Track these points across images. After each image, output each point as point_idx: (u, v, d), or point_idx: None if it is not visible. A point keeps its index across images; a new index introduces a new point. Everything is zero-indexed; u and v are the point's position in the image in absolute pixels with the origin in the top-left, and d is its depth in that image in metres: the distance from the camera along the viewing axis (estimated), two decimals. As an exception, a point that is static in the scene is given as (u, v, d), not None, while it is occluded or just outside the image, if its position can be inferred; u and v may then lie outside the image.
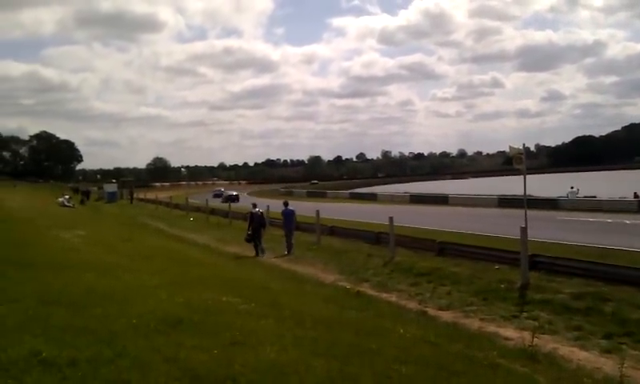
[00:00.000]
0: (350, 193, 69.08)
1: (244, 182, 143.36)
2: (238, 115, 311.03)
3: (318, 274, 15.19)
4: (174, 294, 7.78)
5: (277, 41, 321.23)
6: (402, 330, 7.80)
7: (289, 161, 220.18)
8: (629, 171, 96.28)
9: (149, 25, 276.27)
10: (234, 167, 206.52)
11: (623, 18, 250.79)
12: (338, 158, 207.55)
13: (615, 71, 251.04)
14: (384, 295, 12.31)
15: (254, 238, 19.40)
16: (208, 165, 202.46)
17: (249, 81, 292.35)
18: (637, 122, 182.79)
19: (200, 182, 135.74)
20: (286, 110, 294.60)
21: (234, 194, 64.21)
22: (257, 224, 19.59)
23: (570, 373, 6.75)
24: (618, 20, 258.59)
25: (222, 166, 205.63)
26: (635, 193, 37.74)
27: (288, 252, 19.64)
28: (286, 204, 21.56)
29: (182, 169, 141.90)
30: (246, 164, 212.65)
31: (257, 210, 20.32)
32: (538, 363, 6.96)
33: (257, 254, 19.22)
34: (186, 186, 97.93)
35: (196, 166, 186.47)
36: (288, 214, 20.77)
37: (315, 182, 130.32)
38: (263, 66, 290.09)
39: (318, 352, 5.74)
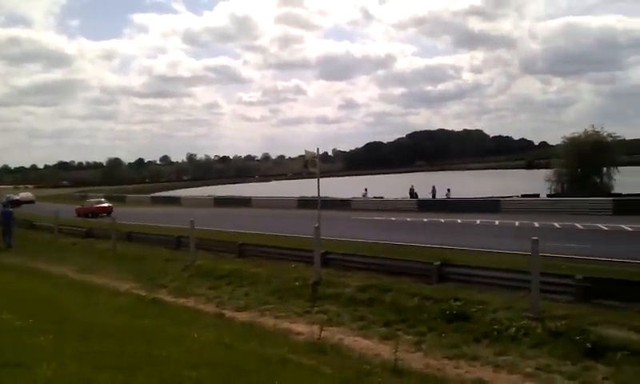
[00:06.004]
0: (152, 197, 66.46)
1: (31, 186, 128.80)
2: (25, 112, 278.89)
3: (112, 282, 14.36)
4: None
5: (72, 33, 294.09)
6: (196, 335, 7.75)
7: (84, 163, 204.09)
8: (411, 174, 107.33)
9: None
10: (20, 170, 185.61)
11: (412, 33, 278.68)
12: (140, 161, 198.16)
13: (403, 83, 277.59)
14: (181, 300, 12.10)
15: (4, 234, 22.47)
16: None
17: (38, 75, 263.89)
18: (418, 129, 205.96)
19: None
20: (82, 108, 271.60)
21: (16, 197, 59.27)
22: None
23: (353, 361, 7.29)
24: (408, 35, 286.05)
25: (5, 169, 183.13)
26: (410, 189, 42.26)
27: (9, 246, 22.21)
28: (5, 205, 24.94)
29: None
30: (34, 166, 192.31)
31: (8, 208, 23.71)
32: (325, 355, 7.42)
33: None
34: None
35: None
36: (5, 214, 23.16)
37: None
38: (56, 59, 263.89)
39: (102, 366, 5.45)
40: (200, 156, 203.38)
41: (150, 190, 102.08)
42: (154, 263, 16.83)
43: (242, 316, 10.50)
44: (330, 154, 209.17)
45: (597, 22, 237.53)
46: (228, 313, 10.74)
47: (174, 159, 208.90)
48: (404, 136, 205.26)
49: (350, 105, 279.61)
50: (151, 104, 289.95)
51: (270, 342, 7.89)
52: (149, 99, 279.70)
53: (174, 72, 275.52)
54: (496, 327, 8.58)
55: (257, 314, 10.63)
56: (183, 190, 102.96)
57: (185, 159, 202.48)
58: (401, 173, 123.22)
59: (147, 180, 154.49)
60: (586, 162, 42.50)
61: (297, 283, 12.50)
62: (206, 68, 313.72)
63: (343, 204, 37.93)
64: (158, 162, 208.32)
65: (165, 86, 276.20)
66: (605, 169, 43.01)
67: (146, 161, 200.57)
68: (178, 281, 14.31)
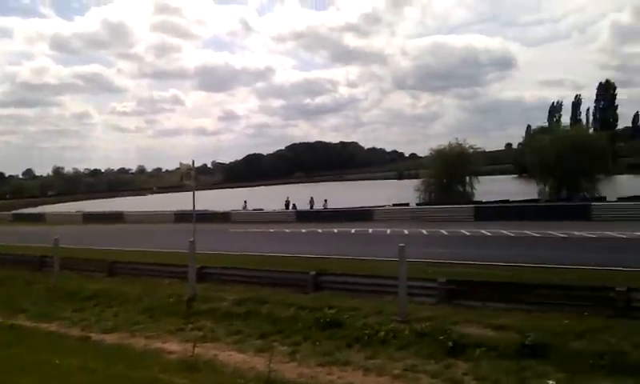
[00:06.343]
0: (14, 214, 61.25)
1: None
2: None
3: (-38, 310, 13.03)
4: None
5: None
6: (57, 361, 7.29)
7: None
8: (291, 185, 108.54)
9: None
10: None
11: (291, 46, 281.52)
12: (0, 175, 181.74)
13: (282, 95, 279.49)
14: (43, 325, 11.24)
15: None
16: None
17: None
18: (297, 141, 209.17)
19: None
20: None
21: None
22: None
23: (226, 376, 7.20)
24: (287, 48, 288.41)
25: None
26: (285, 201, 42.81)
27: None
28: None
29: None
30: None
31: None
32: (198, 372, 7.27)
33: None
34: None
35: None
36: None
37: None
38: None
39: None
40: (68, 169, 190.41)
41: (11, 206, 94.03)
42: (12, 286, 15.52)
43: (110, 338, 9.96)
44: (209, 166, 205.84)
45: (461, 41, 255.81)
46: (95, 336, 10.15)
47: (38, 173, 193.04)
48: (283, 148, 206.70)
49: (229, 116, 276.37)
50: (13, 114, 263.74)
51: (140, 364, 7.60)
52: (10, 108, 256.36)
53: (40, 79, 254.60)
54: (367, 332, 8.89)
55: (126, 336, 10.13)
56: (49, 205, 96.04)
57: (50, 173, 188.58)
58: (280, 184, 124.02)
59: (8, 196, 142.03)
60: (450, 172, 45.55)
61: (171, 300, 12.13)
62: (76, 75, 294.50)
63: (222, 217, 37.46)
64: (21, 177, 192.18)
65: (29, 95, 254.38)
66: (467, 178, 46.36)
67: (6, 175, 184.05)
68: (39, 304, 13.27)
